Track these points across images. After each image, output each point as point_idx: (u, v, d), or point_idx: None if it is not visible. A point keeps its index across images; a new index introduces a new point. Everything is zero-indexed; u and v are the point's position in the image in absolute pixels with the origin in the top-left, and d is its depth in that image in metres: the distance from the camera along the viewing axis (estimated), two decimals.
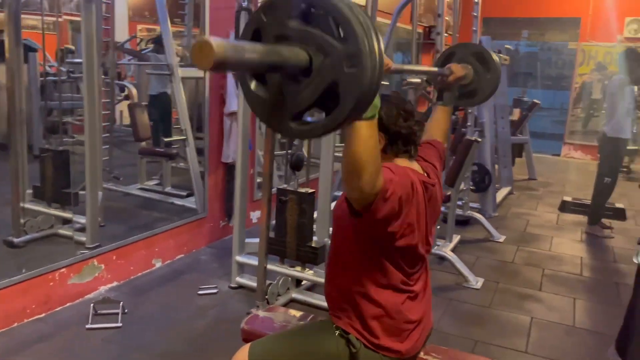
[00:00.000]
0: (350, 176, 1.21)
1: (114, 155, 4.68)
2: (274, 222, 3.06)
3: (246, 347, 1.63)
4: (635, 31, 8.08)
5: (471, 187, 4.80)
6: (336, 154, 3.13)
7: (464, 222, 4.64)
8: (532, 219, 5.15)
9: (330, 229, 3.14)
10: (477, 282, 3.52)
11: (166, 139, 4.60)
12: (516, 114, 6.78)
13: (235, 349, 1.63)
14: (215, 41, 0.71)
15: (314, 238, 3.02)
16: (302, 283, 3.22)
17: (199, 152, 4.09)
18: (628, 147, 5.11)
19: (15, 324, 2.69)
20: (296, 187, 3.00)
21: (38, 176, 3.62)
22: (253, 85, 0.98)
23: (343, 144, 1.21)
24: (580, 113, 9.00)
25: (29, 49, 3.65)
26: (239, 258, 3.25)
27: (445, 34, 6.49)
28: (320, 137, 0.99)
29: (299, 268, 3.07)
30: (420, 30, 7.41)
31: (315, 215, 3.05)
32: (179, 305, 3.04)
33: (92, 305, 2.80)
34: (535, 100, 6.48)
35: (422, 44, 7.32)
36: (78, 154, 3.74)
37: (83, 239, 3.22)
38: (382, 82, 0.92)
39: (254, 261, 3.21)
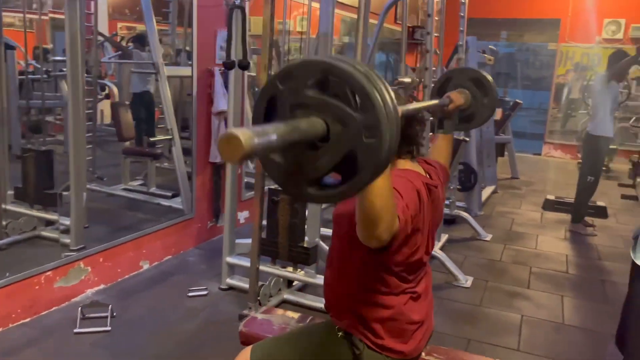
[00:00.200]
0: (366, 227, 1.18)
1: (96, 155, 4.59)
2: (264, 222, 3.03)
3: (247, 350, 1.61)
4: (613, 32, 8.24)
5: (457, 187, 4.83)
6: None
7: (451, 221, 4.67)
8: (516, 217, 5.20)
9: (322, 229, 3.13)
10: (466, 280, 3.54)
11: (152, 139, 4.53)
12: (498, 113, 6.84)
13: (228, 351, 1.61)
14: (243, 135, 0.69)
15: (306, 238, 3.00)
16: (294, 284, 3.20)
17: (184, 151, 4.03)
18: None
19: (0, 329, 2.62)
20: None
21: (19, 177, 3.52)
22: None
23: None
24: (556, 113, 9.14)
25: (7, 47, 3.56)
26: (230, 259, 3.21)
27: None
28: (337, 202, 0.97)
29: (290, 269, 3.05)
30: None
31: (306, 215, 3.03)
32: (169, 307, 2.99)
33: (79, 309, 2.74)
34: (518, 100, 6.55)
35: (408, 43, 7.33)
36: (58, 154, 3.66)
37: (67, 240, 3.14)
38: None
39: (244, 262, 3.18)
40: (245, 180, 4.51)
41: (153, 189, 4.56)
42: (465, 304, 3.24)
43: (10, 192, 3.50)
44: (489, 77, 1.96)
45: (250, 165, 4.63)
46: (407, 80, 3.55)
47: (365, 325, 1.53)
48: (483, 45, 5.56)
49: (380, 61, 7.93)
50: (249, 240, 3.32)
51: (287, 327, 1.89)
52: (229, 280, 3.22)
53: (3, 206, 3.41)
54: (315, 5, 3.43)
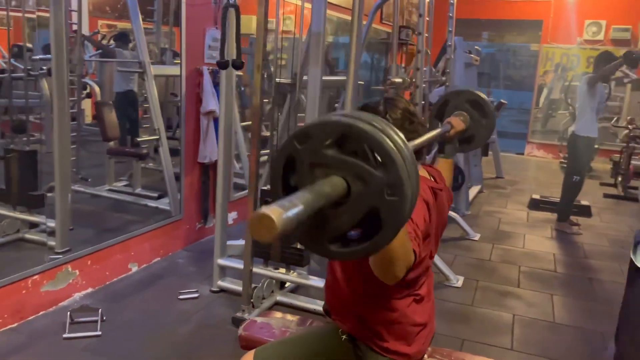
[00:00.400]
0: (382, 269, 1.17)
1: (79, 156, 4.50)
2: None
3: (250, 355, 1.58)
4: (594, 33, 8.37)
5: None
6: None
7: None
8: (503, 216, 5.25)
9: None
10: (457, 280, 3.55)
11: (139, 139, 4.46)
12: None
13: (223, 355, 1.58)
14: (275, 213, 0.68)
15: None
16: (286, 285, 3.17)
17: (171, 152, 3.97)
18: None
19: None
20: None
21: (1, 178, 3.43)
22: None
23: None
24: (537, 113, 9.26)
25: None
26: (221, 261, 3.17)
27: (414, 35, 6.55)
28: (360, 259, 0.95)
29: (283, 270, 3.02)
30: (389, 30, 7.45)
31: None
32: (160, 310, 2.94)
33: (68, 313, 2.67)
34: (502, 100, 6.59)
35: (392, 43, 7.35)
36: (40, 154, 3.57)
37: (52, 243, 3.07)
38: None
39: (235, 264, 3.14)
40: (234, 180, 4.46)
41: (139, 190, 4.49)
42: (457, 304, 3.25)
43: None
44: (485, 97, 1.98)
45: (237, 166, 4.59)
46: (399, 80, 3.55)
47: (370, 328, 1.52)
48: (469, 46, 5.60)
49: (365, 61, 7.93)
50: (240, 242, 3.30)
51: (288, 330, 1.87)
52: (221, 283, 3.18)
53: None
54: (297, 3, 3.39)
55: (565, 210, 4.88)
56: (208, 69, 3.76)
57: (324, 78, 2.77)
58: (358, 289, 1.51)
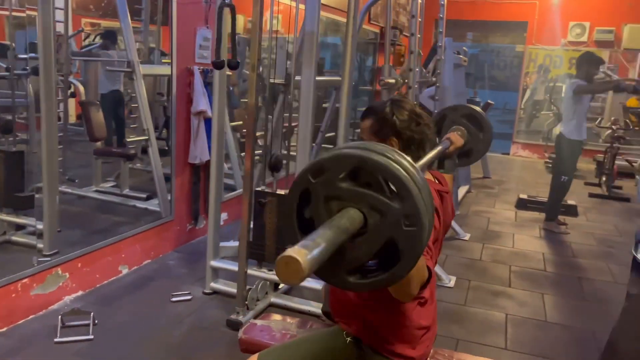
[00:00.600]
0: (398, 289, 1.17)
1: (65, 156, 4.42)
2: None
3: (253, 358, 1.56)
4: (578, 35, 8.47)
5: None
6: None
7: None
8: (492, 216, 5.28)
9: None
10: (450, 280, 3.56)
11: (128, 139, 4.40)
12: None
13: (218, 357, 1.56)
14: (299, 255, 0.68)
15: None
16: (280, 287, 3.15)
17: (160, 152, 3.92)
18: None
19: None
20: (275, 189, 2.93)
21: None
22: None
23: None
24: (522, 114, 9.36)
25: None
26: (214, 263, 3.13)
27: (402, 36, 6.56)
28: (379, 289, 0.96)
29: None
30: (377, 30, 7.46)
31: None
32: (153, 313, 2.90)
33: (59, 317, 2.62)
34: (490, 101, 6.64)
35: (380, 43, 7.38)
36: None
37: (40, 245, 3.01)
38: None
39: (228, 266, 3.11)
40: (225, 181, 4.42)
41: (126, 191, 4.42)
42: (450, 304, 3.26)
43: None
44: (482, 111, 2.00)
45: (226, 166, 4.54)
46: (392, 81, 3.55)
47: (375, 332, 1.52)
48: (457, 47, 5.63)
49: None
50: (232, 243, 3.27)
51: (288, 332, 1.85)
52: (213, 285, 3.15)
53: None
54: (289, 2, 3.37)
55: (553, 209, 4.93)
56: (199, 69, 3.73)
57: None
58: (364, 294, 1.50)
